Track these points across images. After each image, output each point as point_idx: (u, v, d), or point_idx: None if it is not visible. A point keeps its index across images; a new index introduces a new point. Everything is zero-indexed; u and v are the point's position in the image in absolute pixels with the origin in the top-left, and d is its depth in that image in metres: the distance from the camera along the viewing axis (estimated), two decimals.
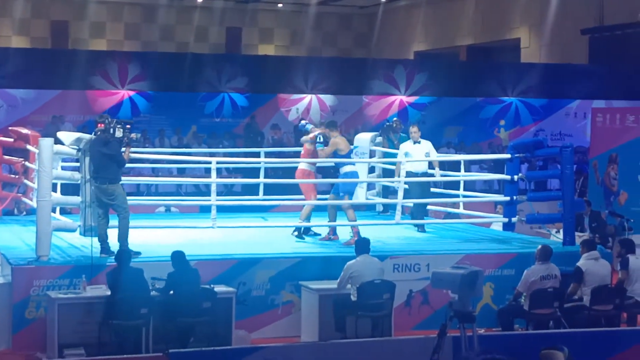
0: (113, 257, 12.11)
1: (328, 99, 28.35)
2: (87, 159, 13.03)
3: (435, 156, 15.83)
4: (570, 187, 14.60)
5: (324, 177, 17.81)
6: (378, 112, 28.49)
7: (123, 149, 12.57)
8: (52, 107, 25.71)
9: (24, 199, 16.24)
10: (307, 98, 28.13)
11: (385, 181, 16.81)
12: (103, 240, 12.55)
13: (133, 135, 12.67)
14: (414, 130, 15.72)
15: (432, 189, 16.17)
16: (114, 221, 12.74)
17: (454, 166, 18.69)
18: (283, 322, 12.82)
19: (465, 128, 29.24)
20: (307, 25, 37.92)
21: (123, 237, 12.49)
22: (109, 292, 11.45)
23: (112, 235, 12.66)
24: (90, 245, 12.86)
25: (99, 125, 12.60)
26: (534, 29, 33.69)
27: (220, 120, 27.34)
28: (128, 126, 12.63)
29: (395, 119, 18.49)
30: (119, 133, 12.46)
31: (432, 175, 15.54)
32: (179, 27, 37.79)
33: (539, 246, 12.77)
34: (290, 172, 19.21)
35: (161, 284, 11.75)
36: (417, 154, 15.48)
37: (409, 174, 15.08)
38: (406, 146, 15.64)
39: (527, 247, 13.74)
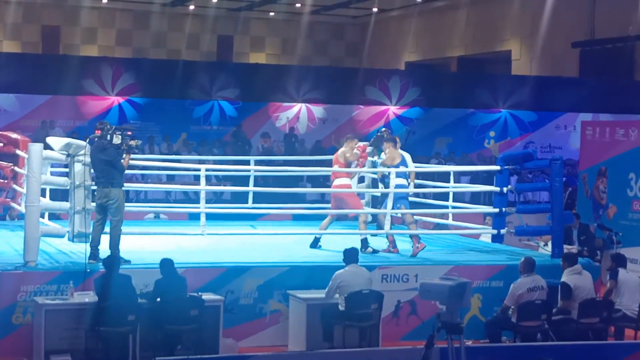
0: (101, 263, 12.09)
1: (318, 108, 28.39)
2: (77, 165, 13.01)
3: (412, 167, 15.72)
4: (560, 200, 14.63)
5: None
6: (368, 122, 28.52)
7: (123, 156, 12.55)
8: (42, 112, 25.68)
9: (12, 204, 16.19)
10: (298, 107, 28.16)
11: (373, 191, 16.80)
12: (94, 247, 12.52)
13: (133, 142, 12.62)
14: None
15: (413, 199, 16.19)
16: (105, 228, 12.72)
17: (444, 177, 18.68)
18: (270, 331, 12.80)
19: (455, 139, 29.29)
20: (298, 34, 37.97)
21: (114, 244, 12.46)
22: (96, 299, 11.42)
23: (103, 243, 12.62)
24: (78, 251, 12.86)
25: (96, 131, 12.59)
26: (525, 41, 33.81)
27: (211, 128, 27.35)
28: (129, 133, 12.61)
29: (383, 129, 18.49)
30: (116, 139, 12.46)
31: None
32: (170, 34, 37.81)
33: (522, 259, 12.80)
34: (280, 180, 19.22)
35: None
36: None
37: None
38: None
39: (515, 259, 13.74)
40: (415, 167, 15.81)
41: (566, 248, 14.96)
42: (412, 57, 38.59)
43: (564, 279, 12.76)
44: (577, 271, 12.80)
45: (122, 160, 12.53)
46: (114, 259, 11.72)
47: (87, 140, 12.69)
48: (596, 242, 16.96)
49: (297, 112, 28.20)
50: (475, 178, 24.72)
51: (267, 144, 26.93)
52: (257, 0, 36.31)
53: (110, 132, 12.51)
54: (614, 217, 17.69)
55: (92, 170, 13.05)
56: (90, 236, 12.65)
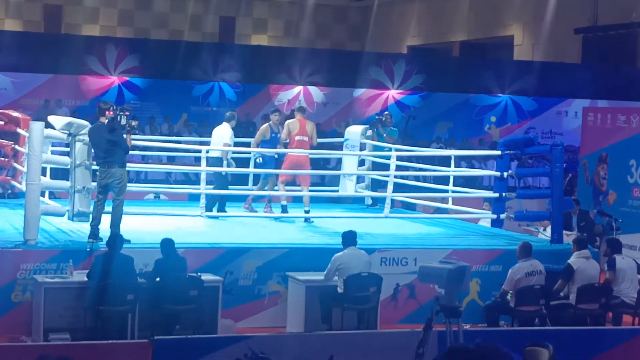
0: (101, 242, 12.12)
1: (319, 90, 28.35)
2: (78, 144, 13.00)
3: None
4: (560, 186, 14.64)
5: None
6: (369, 105, 28.50)
7: (124, 136, 12.57)
8: (43, 91, 25.67)
9: (12, 182, 16.20)
10: (298, 89, 28.13)
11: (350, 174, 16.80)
12: (95, 226, 12.52)
13: (133, 122, 12.67)
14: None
15: (413, 183, 16.28)
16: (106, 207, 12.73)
17: (444, 162, 18.69)
18: (269, 312, 12.83)
19: (456, 124, 29.26)
20: (301, 16, 37.88)
21: (116, 223, 12.47)
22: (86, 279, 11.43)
23: (103, 222, 12.63)
24: (78, 230, 12.88)
25: (108, 112, 12.55)
26: (527, 26, 33.73)
27: (211, 109, 27.33)
28: (127, 113, 12.63)
29: (386, 112, 18.50)
30: (123, 120, 12.49)
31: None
32: (172, 15, 37.70)
33: (520, 244, 12.82)
34: (280, 162, 19.24)
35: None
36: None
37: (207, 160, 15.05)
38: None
39: (514, 244, 13.75)
40: (415, 151, 15.81)
41: (565, 234, 14.98)
42: (414, 41, 38.50)
43: (570, 260, 12.77)
44: (585, 255, 12.79)
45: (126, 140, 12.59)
46: (116, 238, 11.73)
47: (109, 121, 12.57)
48: (596, 229, 16.98)
49: (297, 95, 28.16)
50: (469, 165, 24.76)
51: None
52: None
53: (118, 112, 12.55)
54: (613, 203, 17.69)
55: (92, 150, 13.05)
56: (91, 215, 12.67)
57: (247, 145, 18.78)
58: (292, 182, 15.68)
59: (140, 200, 17.35)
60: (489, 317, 12.61)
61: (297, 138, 15.03)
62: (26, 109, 22.61)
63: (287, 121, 15.36)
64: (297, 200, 16.20)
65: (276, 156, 15.46)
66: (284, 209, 15.25)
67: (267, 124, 15.76)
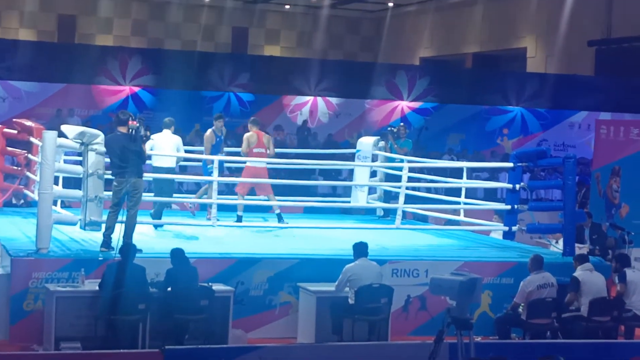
0: (113, 252, 12.14)
1: (332, 101, 28.38)
2: (91, 153, 13.01)
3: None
4: (572, 198, 14.60)
5: None
6: (381, 117, 28.50)
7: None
8: (57, 101, 25.75)
9: (25, 191, 16.25)
10: (311, 100, 28.16)
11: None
12: (108, 235, 12.54)
13: (147, 132, 12.75)
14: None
15: (424, 194, 16.25)
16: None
17: (456, 174, 18.67)
18: (280, 322, 12.82)
19: (469, 136, 29.23)
20: (314, 27, 37.96)
21: (129, 233, 12.49)
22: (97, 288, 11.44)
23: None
24: (90, 239, 12.90)
25: (131, 122, 12.56)
26: (540, 38, 33.69)
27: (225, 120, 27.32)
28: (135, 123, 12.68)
29: (401, 124, 18.52)
30: (142, 130, 12.54)
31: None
32: (185, 25, 37.81)
33: (531, 256, 12.80)
34: (292, 173, 19.27)
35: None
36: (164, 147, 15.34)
37: (157, 169, 15.15)
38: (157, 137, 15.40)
39: (526, 256, 13.71)
40: (426, 162, 15.80)
41: (577, 247, 14.94)
42: (427, 52, 38.50)
43: (575, 274, 12.77)
44: (588, 268, 12.80)
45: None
46: (129, 248, 11.74)
47: (133, 131, 12.58)
48: (608, 242, 16.92)
49: (310, 106, 28.19)
50: (491, 177, 24.72)
51: (279, 136, 26.95)
52: None
53: (140, 122, 12.60)
54: (626, 216, 17.63)
55: (107, 159, 13.07)
56: (105, 225, 12.68)
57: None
58: (251, 191, 15.85)
59: (166, 211, 17.34)
60: (500, 329, 12.58)
61: (255, 150, 15.51)
62: (39, 118, 22.66)
63: (246, 135, 15.71)
64: (257, 209, 16.32)
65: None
66: (239, 219, 15.35)
67: (210, 129, 16.07)
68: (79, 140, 13.24)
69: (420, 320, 13.13)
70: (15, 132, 16.17)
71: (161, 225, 14.93)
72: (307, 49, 38.32)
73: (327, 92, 28.08)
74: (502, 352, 10.34)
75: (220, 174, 15.26)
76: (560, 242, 15.02)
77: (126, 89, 26.39)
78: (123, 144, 12.55)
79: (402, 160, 16.39)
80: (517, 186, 14.96)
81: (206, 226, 14.63)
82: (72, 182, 15.35)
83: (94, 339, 11.28)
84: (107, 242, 12.51)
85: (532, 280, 12.44)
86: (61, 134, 13.28)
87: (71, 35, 35.67)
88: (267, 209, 16.74)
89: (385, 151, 17.19)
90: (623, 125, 18.63)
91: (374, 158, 17.33)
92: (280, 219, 15.29)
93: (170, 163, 15.40)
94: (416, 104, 28.78)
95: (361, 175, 17.41)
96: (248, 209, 16.15)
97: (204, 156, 15.78)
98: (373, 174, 17.42)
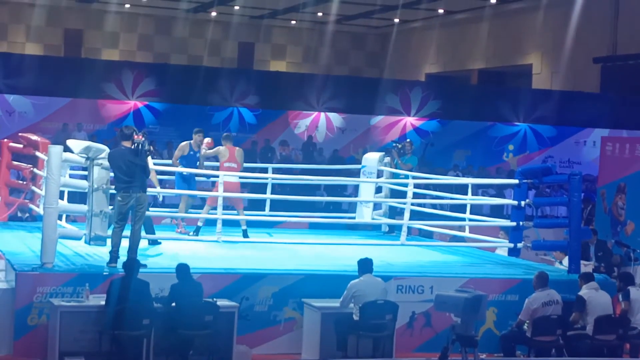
0: (119, 267, 12.13)
1: (337, 117, 28.42)
2: (97, 168, 13.01)
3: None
4: (578, 215, 14.57)
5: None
6: (386, 132, 28.53)
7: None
8: (63, 115, 25.82)
9: (30, 205, 16.26)
10: (317, 115, 28.20)
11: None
12: (115, 250, 12.54)
13: (151, 146, 12.79)
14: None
15: (430, 210, 16.21)
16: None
17: (461, 190, 18.66)
18: (284, 338, 12.79)
19: (474, 152, 29.25)
20: (320, 43, 38.06)
21: (134, 248, 12.48)
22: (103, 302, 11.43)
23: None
24: (94, 254, 12.88)
25: (137, 136, 12.58)
26: (546, 55, 33.74)
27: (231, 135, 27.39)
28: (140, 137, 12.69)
29: (407, 140, 18.53)
30: (147, 144, 12.57)
31: None
32: (192, 40, 37.95)
33: (536, 273, 12.77)
34: (297, 188, 19.27)
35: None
36: None
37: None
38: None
39: (531, 273, 13.67)
40: (433, 178, 15.78)
41: (583, 264, 14.90)
42: (432, 68, 38.57)
43: (581, 292, 12.74)
44: (593, 287, 12.78)
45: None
46: (133, 263, 11.74)
47: (136, 145, 12.61)
48: (613, 259, 16.89)
49: (316, 121, 28.23)
50: (498, 194, 24.71)
51: (285, 152, 26.98)
52: (280, 9, 36.42)
53: (145, 136, 12.63)
54: (632, 233, 17.61)
55: (111, 174, 13.08)
56: (111, 240, 12.68)
57: (265, 170, 18.88)
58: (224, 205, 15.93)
59: (157, 224, 17.34)
60: (505, 346, 12.54)
61: (226, 164, 15.57)
62: (45, 133, 22.72)
63: (217, 148, 15.79)
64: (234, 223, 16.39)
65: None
66: (197, 231, 15.45)
67: (187, 142, 16.07)
68: (84, 155, 13.24)
69: (425, 337, 13.09)
70: (21, 146, 16.19)
71: (157, 242, 14.88)
72: (313, 65, 38.42)
73: (332, 108, 28.11)
74: None
75: (193, 187, 15.65)
76: (565, 261, 14.98)
77: (132, 104, 26.44)
78: (127, 158, 12.56)
79: (407, 177, 16.38)
80: (523, 203, 14.93)
81: (211, 242, 14.61)
82: (77, 197, 15.36)
83: (98, 354, 11.27)
84: (114, 258, 12.50)
85: (537, 298, 12.41)
86: (67, 149, 13.29)
87: (77, 50, 35.82)
88: (273, 224, 16.77)
89: (390, 167, 17.19)
90: (628, 142, 18.63)
91: (380, 174, 17.33)
92: (245, 234, 15.29)
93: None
94: (421, 120, 28.80)
95: (366, 191, 17.41)
96: (255, 224, 16.19)
97: (176, 168, 15.89)
98: (378, 189, 17.41)
